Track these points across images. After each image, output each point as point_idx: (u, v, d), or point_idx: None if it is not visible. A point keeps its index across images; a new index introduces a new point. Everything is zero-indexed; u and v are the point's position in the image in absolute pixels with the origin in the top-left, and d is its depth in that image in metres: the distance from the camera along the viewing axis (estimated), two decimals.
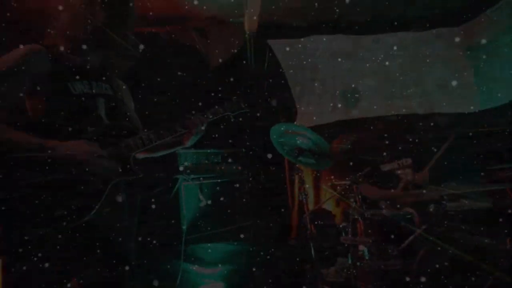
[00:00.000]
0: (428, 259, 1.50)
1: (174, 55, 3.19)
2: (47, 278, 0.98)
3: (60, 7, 1.18)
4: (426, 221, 1.68)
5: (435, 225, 1.54)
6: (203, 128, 1.37)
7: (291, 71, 3.31)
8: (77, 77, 1.16)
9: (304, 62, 3.33)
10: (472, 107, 3.23)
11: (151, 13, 3.07)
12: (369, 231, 1.61)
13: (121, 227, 1.23)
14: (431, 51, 3.22)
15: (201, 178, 2.49)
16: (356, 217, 1.54)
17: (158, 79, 3.05)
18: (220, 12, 3.33)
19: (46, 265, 0.97)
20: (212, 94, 2.94)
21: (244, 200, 2.66)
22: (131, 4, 1.23)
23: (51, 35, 1.17)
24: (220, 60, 3.29)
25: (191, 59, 3.26)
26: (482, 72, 3.24)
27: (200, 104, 2.44)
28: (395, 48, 3.27)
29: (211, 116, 1.41)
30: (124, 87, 1.48)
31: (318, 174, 3.05)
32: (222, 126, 2.81)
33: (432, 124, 2.92)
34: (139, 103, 1.56)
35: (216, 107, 1.46)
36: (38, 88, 1.06)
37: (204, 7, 3.19)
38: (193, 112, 1.39)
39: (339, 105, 3.21)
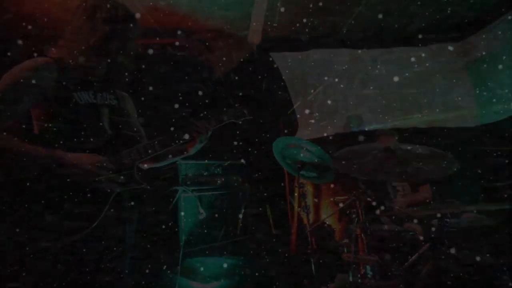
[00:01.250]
0: (431, 278, 1.46)
1: (180, 66, 3.23)
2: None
3: (66, 20, 1.20)
4: (429, 238, 1.64)
5: (438, 243, 1.50)
6: (207, 135, 1.35)
7: (293, 83, 3.34)
8: (83, 87, 1.17)
9: (306, 75, 3.37)
10: (472, 122, 3.25)
11: (158, 26, 3.15)
12: (372, 248, 1.57)
13: (120, 238, 1.21)
14: (431, 66, 3.26)
15: (200, 190, 2.46)
16: (358, 233, 1.51)
17: (164, 90, 3.08)
18: (225, 25, 3.40)
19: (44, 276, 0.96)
20: (216, 104, 2.97)
21: (244, 213, 2.62)
22: (135, 16, 1.25)
23: (57, 47, 1.19)
24: (224, 71, 3.33)
25: (196, 71, 3.30)
26: (482, 87, 3.28)
27: (204, 113, 2.47)
28: (396, 63, 3.32)
29: (215, 124, 1.40)
30: (127, 97, 1.48)
31: (320, 189, 3.02)
32: (223, 137, 2.83)
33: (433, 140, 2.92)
34: (144, 113, 1.56)
35: (220, 115, 1.45)
36: (45, 99, 1.08)
37: (209, 21, 3.26)
38: (197, 119, 1.38)
39: (340, 118, 3.22)
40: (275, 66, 3.38)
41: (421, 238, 1.73)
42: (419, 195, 2.31)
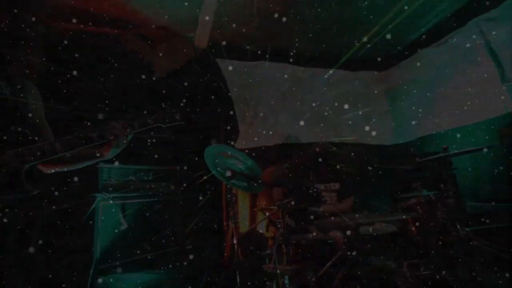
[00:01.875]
0: (343, 284, 1.56)
1: (116, 59, 2.94)
2: None
3: None
4: (344, 245, 1.77)
5: (352, 249, 1.63)
6: (127, 138, 1.22)
7: (237, 91, 3.35)
8: None
9: (250, 85, 3.42)
10: (389, 141, 3.74)
11: (97, 13, 2.84)
12: (295, 257, 1.61)
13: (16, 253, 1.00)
14: (358, 89, 3.67)
15: (125, 198, 2.23)
16: (280, 243, 1.53)
17: (94, 83, 2.76)
18: (171, 24, 3.25)
19: None
20: (151, 104, 2.76)
21: (174, 222, 2.46)
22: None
23: None
24: (165, 72, 3.16)
25: (133, 67, 3.04)
26: (397, 111, 3.82)
27: (134, 112, 2.27)
28: (330, 82, 3.64)
29: (138, 127, 1.27)
30: (30, 87, 1.26)
31: (256, 197, 3.04)
32: (155, 141, 2.65)
33: (352, 154, 3.24)
34: (65, 106, 1.34)
35: (146, 117, 1.33)
36: None
37: (155, 17, 3.08)
38: (117, 121, 1.24)
39: (279, 130, 3.34)
40: (220, 72, 3.35)
41: (340, 244, 1.85)
42: (342, 206, 2.51)
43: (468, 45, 3.07)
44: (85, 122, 2.12)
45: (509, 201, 2.63)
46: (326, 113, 3.49)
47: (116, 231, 2.10)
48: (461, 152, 1.88)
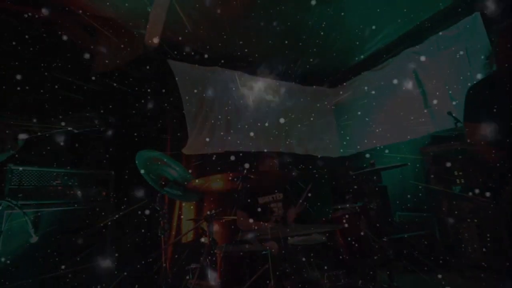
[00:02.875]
0: None
1: (47, 48, 2.61)
2: None
3: None
4: (278, 256, 1.78)
5: (283, 261, 1.65)
6: (18, 143, 1.05)
7: (188, 95, 3.24)
8: None
9: (203, 90, 3.34)
10: (336, 153, 3.99)
11: None
12: (222, 270, 1.57)
13: None
14: (308, 103, 3.86)
15: (41, 205, 1.94)
16: (206, 256, 1.48)
17: (18, 73, 2.39)
18: (119, 16, 3.02)
19: None
20: (80, 101, 2.49)
21: (103, 232, 2.23)
22: None
23: None
24: (106, 66, 2.90)
25: (67, 57, 2.73)
26: (342, 126, 4.11)
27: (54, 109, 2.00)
28: (283, 93, 3.76)
29: (38, 130, 1.11)
30: None
31: (202, 206, 2.94)
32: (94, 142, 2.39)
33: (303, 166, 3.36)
34: None
35: (56, 119, 1.17)
36: None
37: (100, 5, 2.83)
38: (8, 121, 1.06)
39: (230, 138, 3.31)
40: (170, 73, 3.21)
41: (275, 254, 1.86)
42: (288, 215, 2.56)
43: (400, 71, 3.47)
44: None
45: (427, 211, 3.01)
46: (276, 123, 3.58)
47: (24, 244, 1.81)
48: (385, 167, 2.07)
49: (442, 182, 2.77)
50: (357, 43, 3.50)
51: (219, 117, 3.32)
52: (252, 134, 3.43)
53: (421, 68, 3.31)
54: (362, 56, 3.84)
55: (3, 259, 1.72)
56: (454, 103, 2.99)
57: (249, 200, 2.31)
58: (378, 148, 3.53)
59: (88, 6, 2.82)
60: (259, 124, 3.50)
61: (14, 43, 2.41)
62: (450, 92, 3.06)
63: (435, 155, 2.89)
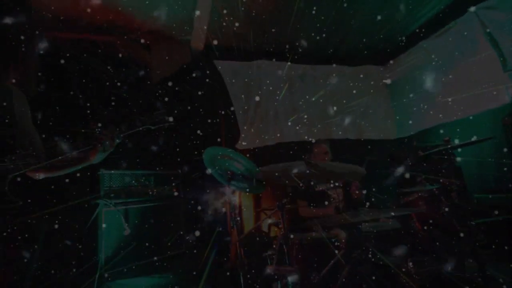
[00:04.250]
0: (347, 283, 1.54)
1: (113, 65, 2.96)
2: None
3: None
4: (347, 243, 1.75)
5: (353, 248, 1.61)
6: (114, 142, 1.21)
7: (236, 92, 3.34)
8: None
9: (250, 84, 3.41)
10: (391, 135, 3.69)
11: (91, 20, 2.86)
12: (298, 257, 1.60)
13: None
14: (359, 84, 3.63)
15: (127, 203, 2.23)
16: (281, 243, 1.52)
17: (93, 89, 2.77)
18: (166, 27, 3.25)
19: None
20: (147, 108, 2.78)
21: (178, 226, 2.47)
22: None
23: None
24: (162, 76, 3.16)
25: (130, 72, 3.06)
26: (399, 106, 3.77)
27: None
28: (331, 78, 3.60)
29: (125, 130, 1.26)
30: (14, 92, 1.24)
31: (260, 198, 3.04)
32: (157, 144, 2.65)
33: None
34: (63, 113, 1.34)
35: (134, 120, 1.32)
36: None
37: (149, 21, 3.08)
38: (103, 124, 1.24)
39: (282, 128, 3.32)
40: (217, 73, 3.34)
41: (339, 244, 1.83)
42: (352, 196, 2.47)
43: (468, 34, 3.02)
44: (80, 127, 2.14)
45: None
46: (327, 110, 3.46)
47: (119, 237, 2.11)
48: (462, 144, 1.85)
49: None
50: (411, 8, 3.12)
51: (269, 109, 3.35)
52: (303, 123, 3.38)
53: (496, 26, 2.83)
54: (419, 23, 3.42)
55: (106, 251, 2.04)
56: None
57: (306, 188, 2.30)
58: (448, 123, 3.16)
59: (142, 24, 3.09)
60: (310, 111, 3.44)
61: (90, 65, 2.79)
62: None
63: None
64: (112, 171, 2.16)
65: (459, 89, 3.07)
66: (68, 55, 2.70)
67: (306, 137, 3.33)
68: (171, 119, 1.38)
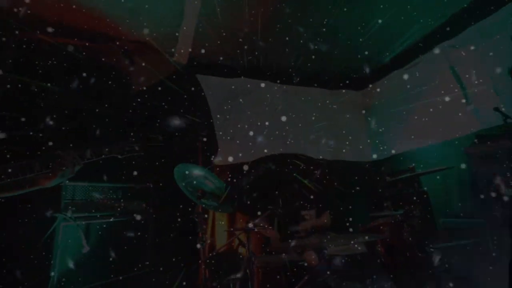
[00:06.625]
0: None
1: (92, 74, 2.88)
2: None
3: None
4: (317, 267, 1.74)
5: (320, 272, 1.61)
6: (73, 171, 1.18)
7: (217, 107, 3.35)
8: None
9: (231, 101, 3.44)
10: (366, 157, 3.83)
11: (74, 25, 2.81)
12: (261, 282, 1.57)
13: None
14: (337, 107, 3.78)
15: (90, 218, 2.11)
16: (245, 267, 1.49)
17: (68, 98, 2.67)
18: (150, 39, 3.25)
19: None
20: (127, 119, 2.71)
21: (146, 243, 2.36)
22: None
23: None
24: (143, 87, 3.12)
25: (111, 81, 2.99)
26: (375, 130, 3.94)
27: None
28: (311, 100, 3.72)
29: (89, 157, 1.23)
30: None
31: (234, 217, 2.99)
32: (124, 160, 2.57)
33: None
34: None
35: (101, 147, 1.29)
36: None
37: (134, 32, 3.07)
38: (67, 150, 1.19)
39: (260, 145, 3.34)
40: (200, 88, 3.36)
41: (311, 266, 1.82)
42: (320, 220, 2.51)
43: (435, 68, 3.26)
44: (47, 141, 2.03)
45: (476, 217, 2.74)
46: (305, 130, 3.55)
47: (77, 254, 1.98)
48: (424, 172, 1.95)
49: (492, 185, 2.51)
50: (387, 40, 3.36)
51: (247, 126, 3.38)
52: (281, 141, 3.43)
53: (460, 62, 3.09)
54: (393, 54, 3.68)
55: (60, 269, 1.89)
56: (500, 98, 2.73)
57: (279, 209, 2.30)
58: (415, 150, 3.33)
59: (127, 33, 3.07)
60: (288, 131, 3.50)
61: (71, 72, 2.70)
62: (495, 86, 2.80)
63: (482, 155, 2.64)
64: (77, 182, 2.05)
65: (427, 118, 3.28)
66: (45, 60, 2.60)
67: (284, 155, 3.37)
68: (136, 148, 1.36)
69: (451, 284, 1.78)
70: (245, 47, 3.30)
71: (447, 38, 3.15)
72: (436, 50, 3.24)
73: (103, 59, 3.09)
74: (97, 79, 2.87)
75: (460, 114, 3.03)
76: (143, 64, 3.29)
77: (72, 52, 2.88)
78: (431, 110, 3.23)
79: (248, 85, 3.55)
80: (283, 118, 3.50)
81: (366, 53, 3.46)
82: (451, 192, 3.04)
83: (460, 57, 3.07)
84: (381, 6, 2.83)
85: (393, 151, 3.65)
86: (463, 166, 2.83)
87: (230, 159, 3.22)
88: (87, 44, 3.04)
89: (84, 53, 3.00)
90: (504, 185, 2.42)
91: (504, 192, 2.40)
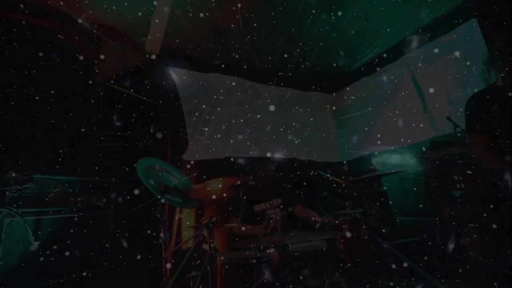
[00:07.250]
0: None
1: (51, 55, 2.65)
2: None
3: None
4: (279, 263, 1.77)
5: (282, 268, 1.64)
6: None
7: (188, 101, 3.26)
8: None
9: (203, 95, 3.37)
10: (335, 158, 3.99)
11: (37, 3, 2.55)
12: (222, 278, 1.56)
13: None
14: (308, 108, 3.88)
15: (41, 213, 1.95)
16: (206, 264, 1.47)
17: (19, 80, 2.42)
18: (120, 25, 3.07)
19: None
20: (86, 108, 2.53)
21: (103, 240, 2.23)
22: None
23: None
24: (108, 74, 2.93)
25: (70, 66, 2.77)
26: (343, 132, 4.12)
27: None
28: (284, 99, 3.78)
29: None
30: None
31: (202, 213, 2.94)
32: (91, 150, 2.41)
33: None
34: None
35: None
36: None
37: (103, 15, 2.88)
38: None
39: (231, 143, 3.32)
40: (171, 80, 3.24)
41: (277, 261, 1.85)
42: (296, 215, 2.53)
43: (399, 76, 3.49)
44: None
45: (428, 216, 2.98)
46: (277, 128, 3.59)
47: (24, 252, 1.81)
48: (385, 173, 2.07)
49: (443, 187, 2.76)
50: (357, 49, 3.55)
51: (219, 123, 3.34)
52: (252, 139, 3.44)
53: (420, 73, 3.34)
54: (362, 62, 3.88)
55: (3, 267, 1.72)
56: (453, 108, 3.00)
57: (244, 207, 2.30)
58: (377, 153, 3.53)
59: (95, 16, 2.86)
60: (259, 129, 3.52)
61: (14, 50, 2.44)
62: (449, 97, 3.07)
63: (435, 160, 2.88)
64: (24, 175, 1.87)
65: (390, 123, 3.50)
66: None
67: (254, 154, 3.38)
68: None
69: (403, 278, 1.92)
70: (220, 42, 3.25)
71: (410, 50, 3.39)
72: (401, 61, 3.47)
73: (66, 41, 2.85)
74: (54, 62, 2.65)
75: (419, 121, 3.27)
76: (109, 50, 3.10)
77: (27, 30, 2.63)
78: (394, 117, 3.45)
79: (221, 81, 3.50)
80: (257, 117, 3.51)
81: (338, 59, 3.61)
82: (407, 192, 3.28)
83: (421, 69, 3.32)
84: (353, 15, 2.96)
85: (358, 153, 3.84)
86: (419, 169, 3.07)
87: (200, 155, 3.16)
88: (46, 22, 2.78)
89: (50, 34, 2.75)
90: (453, 186, 2.66)
91: (453, 193, 2.64)
